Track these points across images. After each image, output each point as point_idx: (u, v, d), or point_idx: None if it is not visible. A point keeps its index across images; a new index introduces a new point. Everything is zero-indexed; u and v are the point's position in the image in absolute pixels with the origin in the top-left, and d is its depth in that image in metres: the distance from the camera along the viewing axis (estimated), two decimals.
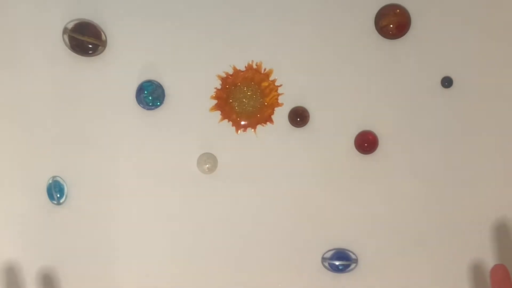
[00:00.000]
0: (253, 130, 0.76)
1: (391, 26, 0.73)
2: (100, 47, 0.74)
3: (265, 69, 0.75)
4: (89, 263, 0.76)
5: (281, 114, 0.76)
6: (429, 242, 0.76)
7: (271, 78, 0.76)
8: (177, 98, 0.76)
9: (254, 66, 0.75)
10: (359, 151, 0.75)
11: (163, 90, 0.75)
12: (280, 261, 0.76)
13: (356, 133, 0.75)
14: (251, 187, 0.76)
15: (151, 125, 0.76)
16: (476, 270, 0.75)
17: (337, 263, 0.75)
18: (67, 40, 0.74)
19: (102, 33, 0.74)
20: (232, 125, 0.76)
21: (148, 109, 0.75)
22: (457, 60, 0.74)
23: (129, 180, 0.76)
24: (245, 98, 0.76)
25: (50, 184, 0.75)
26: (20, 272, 0.76)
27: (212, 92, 0.76)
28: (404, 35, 0.74)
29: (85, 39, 0.73)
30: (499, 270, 0.62)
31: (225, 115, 0.76)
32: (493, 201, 0.75)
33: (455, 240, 0.75)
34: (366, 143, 0.75)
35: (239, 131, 0.76)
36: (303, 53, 0.75)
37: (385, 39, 0.74)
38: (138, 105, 0.75)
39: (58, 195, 0.75)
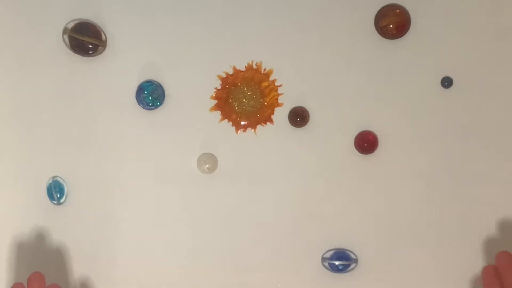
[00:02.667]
0: (253, 130, 0.76)
1: (391, 26, 0.73)
2: (100, 47, 0.74)
3: (265, 69, 0.75)
4: (89, 263, 0.76)
5: (281, 114, 0.76)
6: (429, 242, 0.76)
7: (271, 78, 0.76)
8: (177, 98, 0.76)
9: (254, 66, 0.75)
10: (359, 151, 0.75)
11: (163, 90, 0.75)
12: (280, 261, 0.76)
13: (356, 133, 0.75)
14: (251, 187, 0.76)
15: (151, 125, 0.76)
16: (476, 270, 0.75)
17: (337, 263, 0.75)
18: (67, 40, 0.74)
19: (102, 33, 0.74)
20: (232, 125, 0.76)
21: (148, 109, 0.75)
22: (457, 60, 0.74)
23: (129, 180, 0.76)
24: (245, 98, 0.76)
25: (50, 184, 0.75)
26: (19, 272, 0.75)
27: (212, 92, 0.76)
28: (404, 35, 0.74)
29: (85, 39, 0.73)
30: (503, 256, 0.63)
31: (225, 115, 0.76)
32: (494, 201, 0.75)
33: (455, 240, 0.75)
34: (366, 143, 0.75)
35: (239, 131, 0.76)
36: (303, 53, 0.75)
37: (385, 39, 0.74)
38: (138, 105, 0.75)
39: (58, 195, 0.75)
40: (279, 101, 0.76)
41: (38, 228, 0.76)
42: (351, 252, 0.76)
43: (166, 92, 0.75)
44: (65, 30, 0.74)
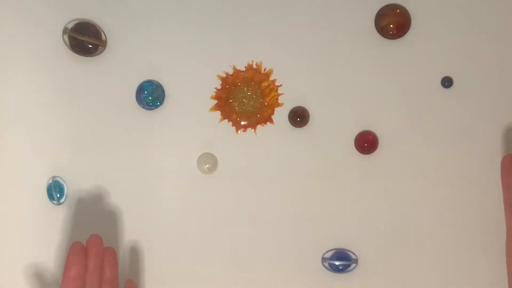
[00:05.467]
0: (253, 130, 0.76)
1: (391, 26, 0.73)
2: (100, 47, 0.74)
3: (265, 69, 0.75)
4: None
5: (281, 114, 0.76)
6: (429, 242, 0.76)
7: (271, 78, 0.76)
8: (177, 98, 0.76)
9: (254, 66, 0.75)
10: (359, 151, 0.75)
11: (163, 90, 0.75)
12: (280, 261, 0.76)
13: (356, 133, 0.75)
14: (251, 187, 0.76)
15: (151, 125, 0.76)
16: (477, 270, 0.75)
17: (337, 263, 0.75)
18: (67, 40, 0.74)
19: (102, 33, 0.74)
20: (232, 125, 0.76)
21: (148, 109, 0.75)
22: (457, 60, 0.74)
23: (129, 180, 0.76)
24: (245, 98, 0.76)
25: (50, 184, 0.75)
26: (19, 272, 0.76)
27: (212, 92, 0.76)
28: (404, 35, 0.74)
29: (85, 39, 0.73)
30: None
31: (225, 115, 0.76)
32: (494, 201, 0.75)
33: (455, 240, 0.75)
34: (366, 143, 0.75)
35: (239, 131, 0.76)
36: (303, 53, 0.75)
37: (385, 39, 0.74)
38: (138, 105, 0.75)
39: (58, 195, 0.75)
40: (279, 101, 0.76)
41: (38, 228, 0.76)
42: (351, 252, 0.76)
43: (166, 92, 0.75)
44: (65, 30, 0.74)
